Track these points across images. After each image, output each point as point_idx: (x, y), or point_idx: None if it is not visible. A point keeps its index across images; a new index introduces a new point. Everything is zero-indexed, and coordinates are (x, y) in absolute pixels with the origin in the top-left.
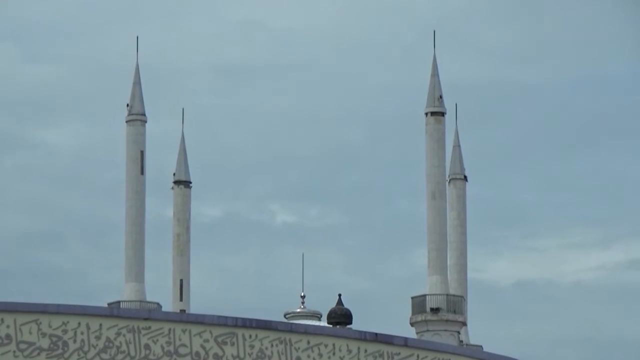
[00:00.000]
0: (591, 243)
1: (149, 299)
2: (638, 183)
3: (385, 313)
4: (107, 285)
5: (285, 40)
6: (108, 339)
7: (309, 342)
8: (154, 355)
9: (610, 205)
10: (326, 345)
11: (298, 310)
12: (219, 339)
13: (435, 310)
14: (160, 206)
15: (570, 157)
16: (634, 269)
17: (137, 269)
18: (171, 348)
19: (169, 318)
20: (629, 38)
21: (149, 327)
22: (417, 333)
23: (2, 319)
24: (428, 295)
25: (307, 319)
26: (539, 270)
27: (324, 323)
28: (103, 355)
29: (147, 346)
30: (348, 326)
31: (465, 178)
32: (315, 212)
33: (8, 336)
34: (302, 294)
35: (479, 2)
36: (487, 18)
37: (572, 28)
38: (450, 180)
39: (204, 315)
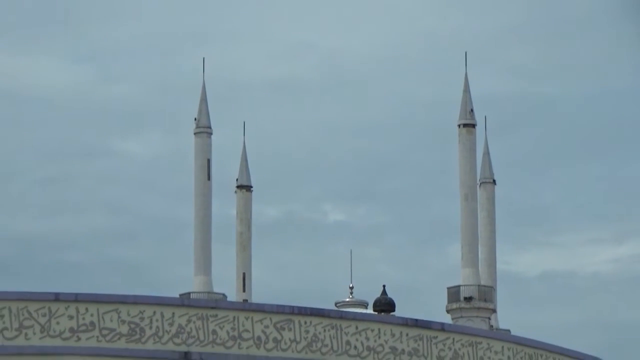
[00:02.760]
0: (607, 239)
1: (215, 290)
2: None
3: (424, 302)
4: (179, 278)
5: (333, 59)
6: (180, 326)
7: (357, 327)
8: (220, 339)
9: (624, 205)
10: (372, 330)
11: (347, 299)
12: (278, 325)
13: (468, 299)
14: (225, 208)
15: (588, 162)
16: None
17: (204, 264)
18: (236, 333)
19: (234, 307)
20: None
21: (216, 315)
22: (452, 319)
23: (87, 308)
24: (462, 285)
25: (355, 307)
26: (560, 263)
27: (370, 311)
28: (175, 340)
29: (214, 332)
30: (391, 313)
31: (494, 182)
32: (362, 212)
33: (92, 323)
34: (351, 285)
35: (504, 26)
36: (512, 39)
37: (588, 48)
38: (480, 184)
39: (264, 304)
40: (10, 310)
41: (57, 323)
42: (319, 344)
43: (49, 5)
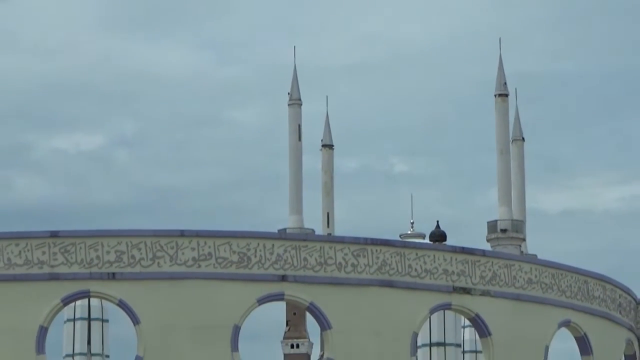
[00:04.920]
0: (615, 181)
1: (306, 226)
2: None
3: (469, 233)
4: (277, 217)
5: (397, 45)
6: (278, 255)
7: (417, 254)
8: (310, 265)
9: (629, 155)
10: (429, 256)
11: (409, 232)
12: (355, 253)
13: (503, 231)
14: (313, 162)
15: (600, 121)
16: None
17: (297, 205)
18: (322, 260)
19: (320, 239)
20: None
21: (307, 245)
22: (491, 246)
23: (205, 242)
24: (499, 220)
25: (415, 238)
26: (578, 202)
27: (427, 240)
28: (275, 266)
29: (305, 259)
30: (444, 242)
31: (523, 139)
32: (422, 163)
33: (209, 254)
34: (412, 221)
35: (530, 16)
36: (537, 26)
37: (600, 31)
38: (513, 141)
39: (344, 237)
40: (145, 244)
41: (183, 254)
42: (387, 268)
43: (178, 4)
